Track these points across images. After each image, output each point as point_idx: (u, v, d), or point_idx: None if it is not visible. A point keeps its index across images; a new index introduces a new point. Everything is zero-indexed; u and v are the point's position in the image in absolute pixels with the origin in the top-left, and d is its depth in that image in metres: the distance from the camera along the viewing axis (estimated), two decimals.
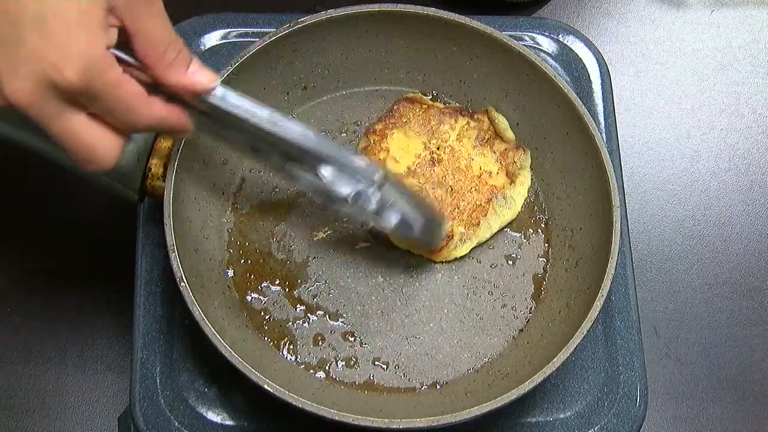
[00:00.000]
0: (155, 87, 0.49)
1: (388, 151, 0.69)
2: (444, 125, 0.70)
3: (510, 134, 0.70)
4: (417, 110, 0.70)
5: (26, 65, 0.43)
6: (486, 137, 0.70)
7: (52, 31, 0.43)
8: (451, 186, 0.68)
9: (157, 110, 0.49)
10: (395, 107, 0.71)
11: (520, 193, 0.69)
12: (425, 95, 0.73)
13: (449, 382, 0.65)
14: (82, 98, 0.45)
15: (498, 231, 0.69)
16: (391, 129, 0.70)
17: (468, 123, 0.70)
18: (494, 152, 0.70)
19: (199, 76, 0.50)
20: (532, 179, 0.71)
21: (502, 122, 0.71)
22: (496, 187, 0.69)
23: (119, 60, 0.47)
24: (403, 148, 0.69)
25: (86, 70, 0.43)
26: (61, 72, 0.43)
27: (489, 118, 0.71)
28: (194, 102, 0.51)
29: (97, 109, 0.46)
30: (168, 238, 0.59)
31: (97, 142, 0.47)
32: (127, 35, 0.46)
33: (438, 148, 0.69)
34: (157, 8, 0.47)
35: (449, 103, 0.73)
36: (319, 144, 0.56)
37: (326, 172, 0.57)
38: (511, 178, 0.69)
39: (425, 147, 0.70)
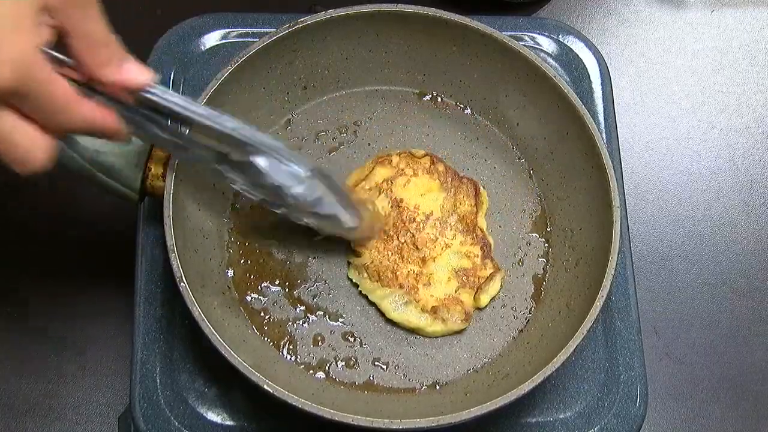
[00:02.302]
0: (93, 90, 0.49)
1: (408, 182, 0.68)
2: (459, 196, 0.68)
3: (482, 222, 0.68)
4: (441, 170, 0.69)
5: None
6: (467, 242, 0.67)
7: None
8: (423, 257, 0.66)
9: (88, 111, 0.48)
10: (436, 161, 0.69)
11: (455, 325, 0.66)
12: (425, 95, 0.73)
13: (449, 382, 0.65)
14: (12, 98, 0.45)
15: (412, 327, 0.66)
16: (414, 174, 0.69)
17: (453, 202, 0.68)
18: (471, 260, 0.67)
19: (134, 73, 0.50)
20: (533, 181, 0.71)
21: (486, 202, 0.69)
22: (450, 299, 0.65)
23: (54, 59, 0.47)
24: (421, 192, 0.68)
25: (16, 69, 0.43)
26: None
27: (477, 195, 0.69)
28: (130, 100, 0.51)
29: (27, 108, 0.46)
30: (168, 238, 0.59)
31: (27, 142, 0.47)
32: (61, 34, 0.46)
33: (439, 219, 0.68)
34: (91, 8, 0.47)
35: (446, 102, 0.73)
36: (253, 135, 0.56)
37: (261, 161, 0.57)
38: (476, 301, 0.66)
39: (441, 209, 0.68)
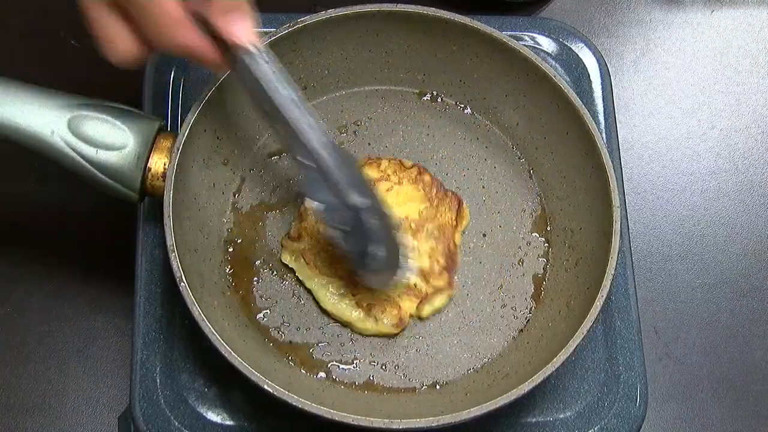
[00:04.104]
0: None
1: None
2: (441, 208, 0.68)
3: (458, 238, 0.67)
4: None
5: None
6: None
7: None
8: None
9: (187, 37, 0.49)
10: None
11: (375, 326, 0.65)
12: (425, 95, 0.73)
13: (449, 382, 0.65)
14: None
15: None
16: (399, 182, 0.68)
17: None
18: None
19: (239, 29, 0.50)
20: (533, 181, 0.71)
21: (467, 218, 0.68)
22: (388, 300, 0.65)
23: None
24: (404, 201, 0.67)
25: None
26: None
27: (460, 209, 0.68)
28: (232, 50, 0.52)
29: (132, 13, 0.48)
30: (168, 238, 0.59)
31: (116, 40, 0.49)
32: None
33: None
34: None
35: (446, 102, 0.73)
36: (321, 143, 0.56)
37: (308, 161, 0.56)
38: (419, 310, 0.65)
39: (419, 214, 0.67)
